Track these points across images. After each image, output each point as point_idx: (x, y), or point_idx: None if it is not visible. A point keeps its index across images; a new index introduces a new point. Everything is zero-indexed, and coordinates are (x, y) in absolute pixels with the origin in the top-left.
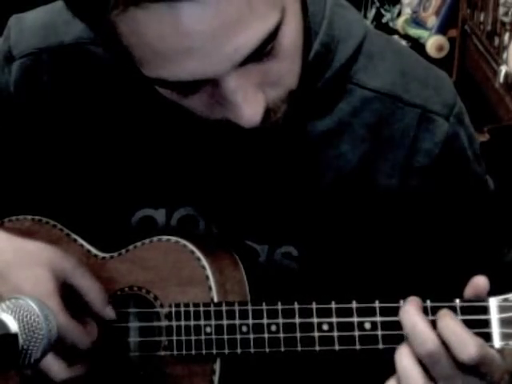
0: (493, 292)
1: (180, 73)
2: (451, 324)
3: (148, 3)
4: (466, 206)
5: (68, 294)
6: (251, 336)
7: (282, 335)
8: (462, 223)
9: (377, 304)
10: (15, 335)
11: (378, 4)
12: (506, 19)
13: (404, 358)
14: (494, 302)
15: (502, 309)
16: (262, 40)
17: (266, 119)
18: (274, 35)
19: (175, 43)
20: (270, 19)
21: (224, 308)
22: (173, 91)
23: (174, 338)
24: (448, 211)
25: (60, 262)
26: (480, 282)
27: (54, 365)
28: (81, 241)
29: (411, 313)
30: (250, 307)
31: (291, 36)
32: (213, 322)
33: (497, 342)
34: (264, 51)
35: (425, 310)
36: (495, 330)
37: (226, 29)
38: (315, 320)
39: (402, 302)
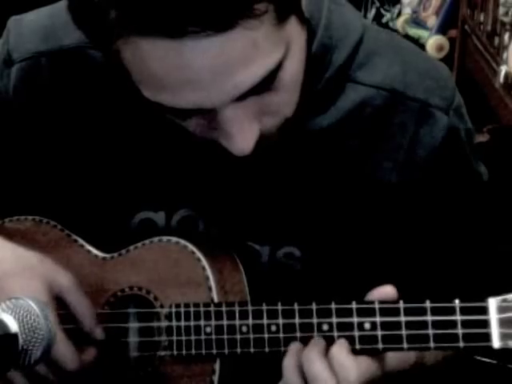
0: (491, 287)
1: (178, 101)
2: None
3: (153, 37)
4: (462, 199)
5: (62, 308)
6: (251, 336)
7: (281, 335)
8: (458, 216)
9: (376, 305)
10: (15, 335)
11: (378, 4)
12: (506, 19)
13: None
14: (493, 303)
15: (501, 309)
16: (262, 77)
17: (257, 146)
18: (275, 72)
19: (176, 74)
20: (273, 57)
21: (224, 308)
22: (169, 114)
23: (174, 338)
24: (445, 204)
25: (57, 277)
26: (387, 292)
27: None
28: (81, 241)
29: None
30: (249, 308)
31: (293, 69)
32: (213, 323)
33: (496, 342)
34: (263, 86)
35: (424, 311)
36: (494, 330)
37: (228, 66)
38: (315, 320)
39: (401, 302)
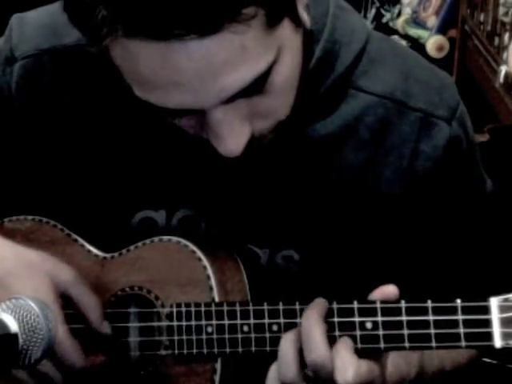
0: (493, 292)
1: (167, 102)
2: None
3: (140, 38)
4: (464, 209)
5: (67, 305)
6: (252, 335)
7: (283, 334)
8: (460, 225)
9: (378, 305)
10: (15, 335)
11: (378, 4)
12: (506, 19)
13: (287, 344)
14: (494, 302)
15: (503, 309)
16: (250, 81)
17: (249, 147)
18: (265, 75)
19: (163, 76)
20: (262, 61)
21: (225, 308)
22: (160, 113)
23: (175, 337)
24: (447, 213)
25: (61, 274)
26: (389, 291)
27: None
28: (81, 241)
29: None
30: (251, 307)
31: (285, 74)
32: (214, 322)
33: (498, 341)
34: (253, 89)
35: (426, 310)
36: (496, 329)
37: (214, 69)
38: None
39: (403, 302)
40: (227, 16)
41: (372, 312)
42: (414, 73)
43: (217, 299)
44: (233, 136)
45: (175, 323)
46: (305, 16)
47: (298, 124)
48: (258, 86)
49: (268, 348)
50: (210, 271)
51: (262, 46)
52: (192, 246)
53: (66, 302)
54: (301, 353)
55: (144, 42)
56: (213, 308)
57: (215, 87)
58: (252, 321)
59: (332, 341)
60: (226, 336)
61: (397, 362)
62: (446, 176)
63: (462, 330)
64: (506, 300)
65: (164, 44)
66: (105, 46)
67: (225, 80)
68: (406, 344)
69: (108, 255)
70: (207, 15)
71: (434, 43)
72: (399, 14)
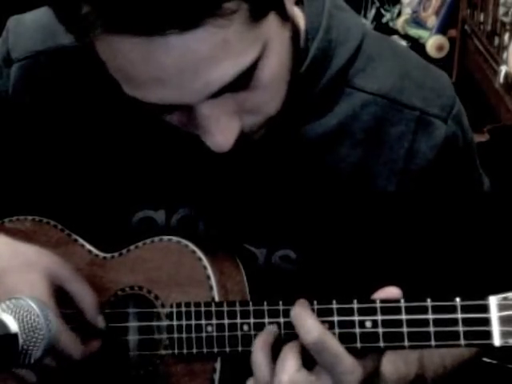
0: (492, 290)
1: (152, 98)
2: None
3: (121, 34)
4: (461, 208)
5: (63, 300)
6: (252, 334)
7: (283, 333)
8: (457, 223)
9: (378, 304)
10: (15, 335)
11: (378, 4)
12: (506, 19)
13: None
14: (493, 301)
15: (502, 307)
16: (235, 76)
17: (240, 142)
18: (250, 70)
19: (146, 72)
20: (246, 56)
21: (225, 308)
22: (150, 109)
23: (175, 336)
24: (444, 212)
25: (57, 268)
26: (392, 293)
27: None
28: (81, 241)
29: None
30: (251, 307)
31: (272, 69)
32: (214, 322)
33: (497, 340)
34: (238, 85)
35: (425, 309)
36: (495, 328)
37: (196, 64)
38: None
39: (402, 300)
40: (208, 10)
41: (371, 311)
42: (410, 71)
43: (217, 299)
44: (221, 131)
45: (175, 323)
46: (293, 11)
47: (293, 123)
48: (243, 81)
49: None
50: (210, 271)
51: (245, 40)
52: (192, 246)
53: (66, 301)
54: None
55: (125, 38)
56: (213, 308)
57: (199, 83)
58: (252, 320)
59: None
60: (226, 335)
61: (394, 360)
62: (442, 174)
63: (461, 329)
64: (505, 299)
65: (145, 39)
66: (90, 43)
67: (208, 75)
68: (406, 343)
69: (108, 255)
70: (187, 10)
71: (433, 43)
72: (399, 14)
